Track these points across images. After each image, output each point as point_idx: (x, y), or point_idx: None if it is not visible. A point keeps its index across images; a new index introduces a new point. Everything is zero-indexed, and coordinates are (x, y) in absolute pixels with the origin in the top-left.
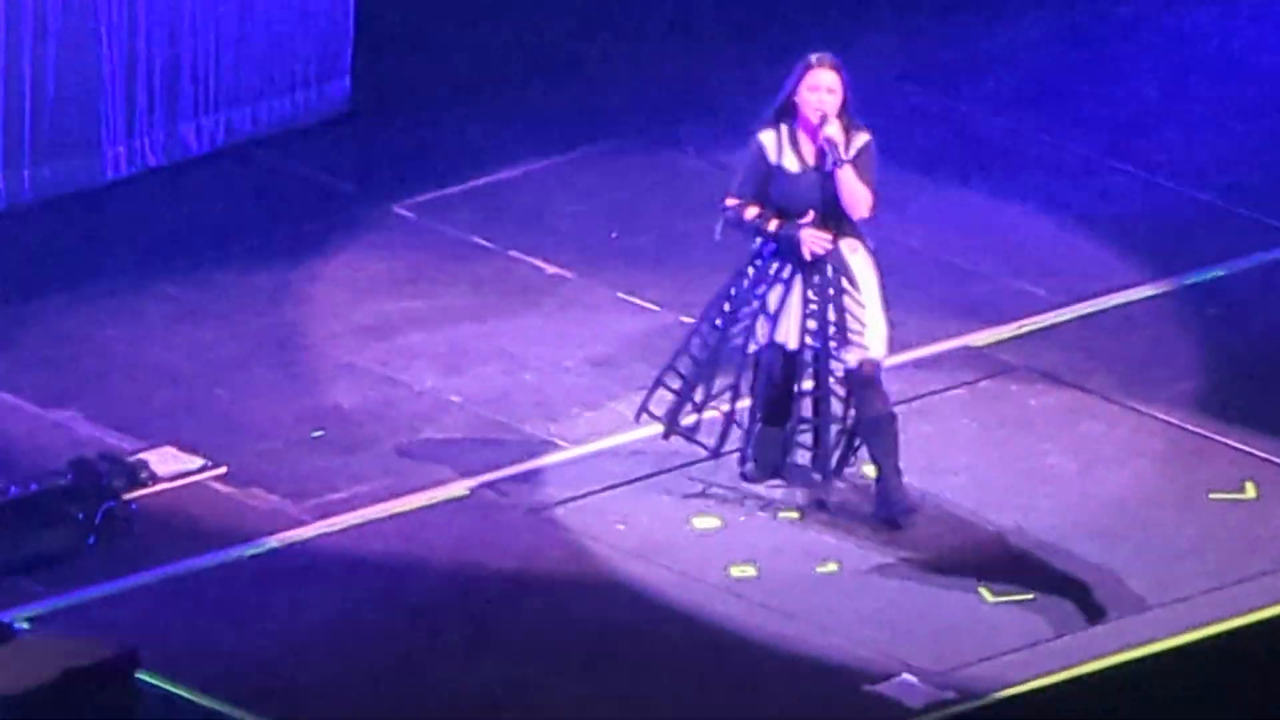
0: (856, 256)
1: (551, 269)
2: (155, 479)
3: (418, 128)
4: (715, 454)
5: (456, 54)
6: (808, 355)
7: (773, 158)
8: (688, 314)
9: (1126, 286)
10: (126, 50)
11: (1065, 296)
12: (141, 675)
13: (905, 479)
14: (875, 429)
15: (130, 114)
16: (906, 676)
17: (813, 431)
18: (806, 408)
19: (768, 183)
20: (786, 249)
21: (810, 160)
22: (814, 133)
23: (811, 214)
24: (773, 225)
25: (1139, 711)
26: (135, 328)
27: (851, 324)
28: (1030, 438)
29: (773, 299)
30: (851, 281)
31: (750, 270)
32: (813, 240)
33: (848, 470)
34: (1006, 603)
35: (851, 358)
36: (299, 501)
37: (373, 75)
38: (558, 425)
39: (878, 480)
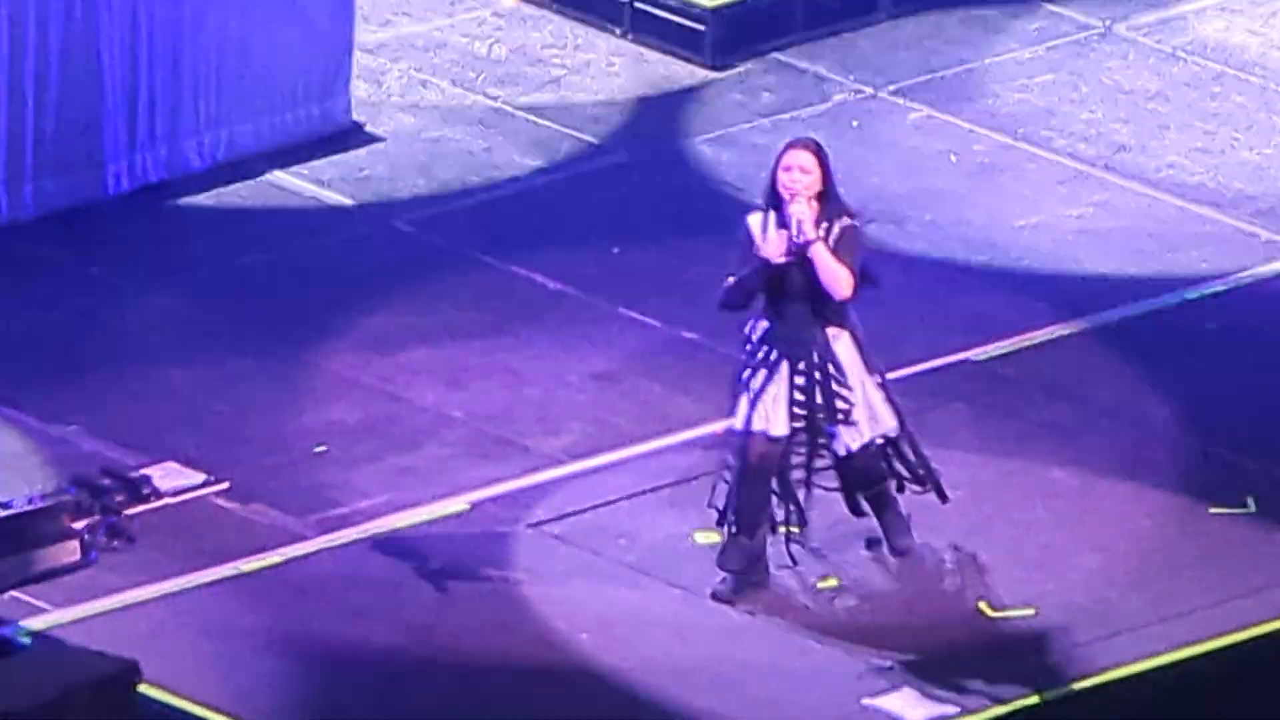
0: (840, 344)
1: (553, 284)
2: (158, 494)
3: (418, 143)
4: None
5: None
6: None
7: (759, 241)
8: (689, 329)
9: (1124, 301)
10: (129, 66)
11: (1065, 311)
12: (143, 690)
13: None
14: (879, 506)
15: (132, 129)
16: (906, 690)
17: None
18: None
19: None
20: (774, 336)
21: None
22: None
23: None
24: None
25: None
26: (137, 343)
27: (840, 407)
28: (1030, 452)
29: (756, 384)
30: (839, 369)
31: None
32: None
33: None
34: (1006, 618)
35: (843, 444)
36: (301, 517)
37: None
38: (559, 440)
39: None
